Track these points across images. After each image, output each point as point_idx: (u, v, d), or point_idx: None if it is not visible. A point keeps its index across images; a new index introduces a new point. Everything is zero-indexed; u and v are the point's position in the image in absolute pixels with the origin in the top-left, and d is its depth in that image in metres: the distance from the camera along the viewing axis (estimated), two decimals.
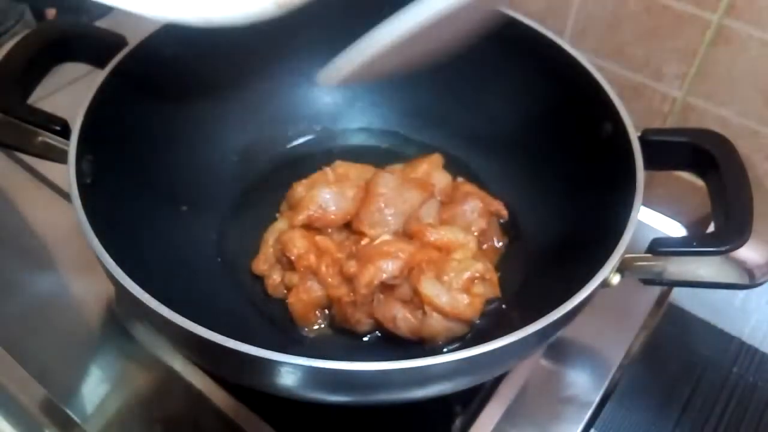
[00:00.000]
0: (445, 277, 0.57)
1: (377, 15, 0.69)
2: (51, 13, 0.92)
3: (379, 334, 0.59)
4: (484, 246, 0.64)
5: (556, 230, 0.62)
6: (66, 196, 0.61)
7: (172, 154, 0.64)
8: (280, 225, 0.64)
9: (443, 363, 0.40)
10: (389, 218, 0.61)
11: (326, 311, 0.60)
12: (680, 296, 0.68)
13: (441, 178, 0.67)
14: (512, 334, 0.41)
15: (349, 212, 0.62)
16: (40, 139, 0.52)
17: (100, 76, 0.55)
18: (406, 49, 0.49)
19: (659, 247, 0.47)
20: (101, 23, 0.90)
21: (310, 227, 0.62)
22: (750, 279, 0.45)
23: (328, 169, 0.67)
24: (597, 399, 0.60)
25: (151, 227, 0.59)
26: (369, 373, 0.40)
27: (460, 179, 0.69)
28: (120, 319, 0.64)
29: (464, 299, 0.56)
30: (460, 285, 0.57)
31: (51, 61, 0.57)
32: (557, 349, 0.63)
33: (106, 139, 0.54)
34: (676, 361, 0.63)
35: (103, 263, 0.44)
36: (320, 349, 0.59)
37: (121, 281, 0.43)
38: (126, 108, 0.58)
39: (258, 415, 0.57)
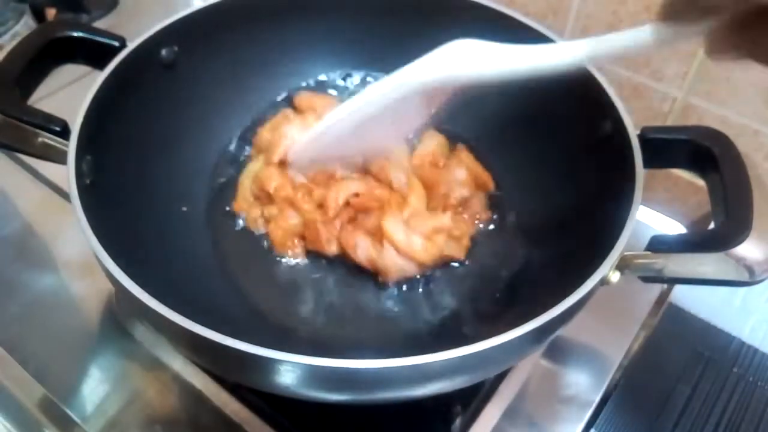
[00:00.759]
0: (411, 221, 0.61)
1: (376, 18, 0.70)
2: (51, 13, 0.92)
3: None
4: (465, 215, 0.66)
5: (555, 228, 0.62)
6: (66, 196, 0.62)
7: (172, 155, 0.64)
8: (254, 167, 0.67)
9: (442, 360, 0.40)
10: None
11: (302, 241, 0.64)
12: (680, 296, 0.68)
13: (433, 139, 0.70)
14: (511, 331, 0.41)
15: None
16: (39, 139, 0.52)
17: (100, 76, 0.55)
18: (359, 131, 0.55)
19: (659, 245, 0.47)
20: (101, 24, 0.91)
21: (285, 163, 0.64)
22: (750, 276, 0.45)
23: (287, 111, 0.70)
24: (597, 399, 0.60)
25: (151, 227, 0.59)
26: (368, 371, 0.40)
27: (460, 146, 0.70)
28: (120, 319, 0.64)
29: (419, 242, 0.60)
30: (423, 231, 0.60)
31: (51, 62, 0.57)
32: (557, 348, 0.63)
33: (105, 139, 0.55)
34: (676, 361, 0.63)
35: (103, 263, 0.44)
36: (319, 347, 0.59)
37: (121, 281, 0.43)
38: (126, 109, 0.58)
39: (258, 415, 0.57)
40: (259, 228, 0.65)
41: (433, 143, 0.69)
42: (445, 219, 0.62)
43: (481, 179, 0.68)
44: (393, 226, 0.60)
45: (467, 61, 0.47)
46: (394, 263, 0.60)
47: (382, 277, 0.61)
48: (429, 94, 0.50)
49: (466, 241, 0.63)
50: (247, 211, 0.66)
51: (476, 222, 0.66)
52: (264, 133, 0.68)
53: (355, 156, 0.64)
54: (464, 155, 0.69)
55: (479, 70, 0.47)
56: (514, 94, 0.65)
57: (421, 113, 0.54)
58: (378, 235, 0.61)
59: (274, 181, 0.63)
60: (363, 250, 0.61)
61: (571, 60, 0.44)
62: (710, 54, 0.35)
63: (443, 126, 0.72)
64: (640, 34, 0.40)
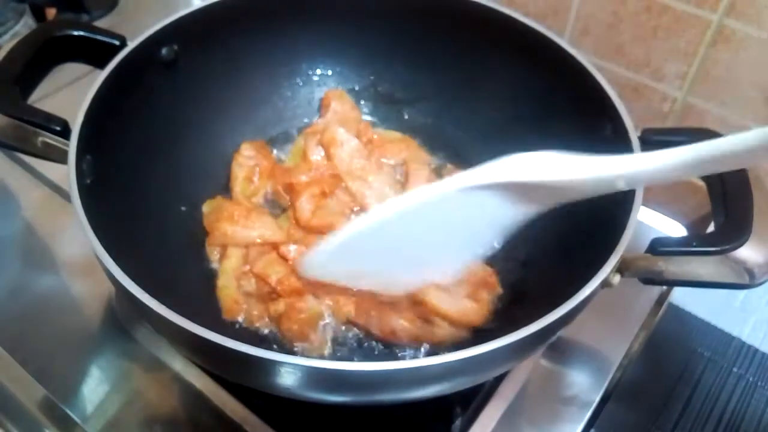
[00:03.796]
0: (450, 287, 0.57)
1: (376, 18, 0.70)
2: (51, 12, 0.92)
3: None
4: None
5: (555, 230, 0.62)
6: (66, 196, 0.62)
7: (171, 154, 0.64)
8: (230, 264, 0.61)
9: (442, 363, 0.40)
10: None
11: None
12: (680, 296, 0.68)
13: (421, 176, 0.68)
14: (512, 334, 0.41)
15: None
16: (40, 139, 0.52)
17: (100, 76, 0.55)
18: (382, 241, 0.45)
19: (659, 247, 0.47)
20: (101, 23, 0.91)
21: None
22: (750, 279, 0.45)
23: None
24: (597, 399, 0.60)
25: (151, 227, 0.59)
26: (368, 373, 0.40)
27: (449, 166, 0.70)
28: (120, 319, 0.64)
29: (471, 306, 0.57)
30: (466, 293, 0.58)
31: (51, 61, 0.57)
32: (557, 349, 0.63)
33: (106, 139, 0.54)
34: (676, 361, 0.63)
35: (103, 263, 0.44)
36: None
37: (121, 281, 0.43)
38: (126, 108, 0.58)
39: (258, 415, 0.57)
40: (264, 327, 0.59)
41: (422, 180, 0.67)
42: (477, 269, 0.58)
43: None
44: (441, 300, 0.56)
45: (536, 168, 0.41)
46: (449, 335, 0.57)
47: (434, 347, 0.57)
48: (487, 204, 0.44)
49: (493, 277, 0.61)
50: (244, 312, 0.59)
51: None
52: (222, 225, 0.61)
53: (389, 283, 0.53)
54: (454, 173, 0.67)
55: (548, 177, 0.41)
56: (513, 97, 0.66)
57: (476, 236, 0.46)
58: (415, 310, 0.56)
59: (275, 273, 0.58)
60: (404, 331, 0.56)
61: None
62: None
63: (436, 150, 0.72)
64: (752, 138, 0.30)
